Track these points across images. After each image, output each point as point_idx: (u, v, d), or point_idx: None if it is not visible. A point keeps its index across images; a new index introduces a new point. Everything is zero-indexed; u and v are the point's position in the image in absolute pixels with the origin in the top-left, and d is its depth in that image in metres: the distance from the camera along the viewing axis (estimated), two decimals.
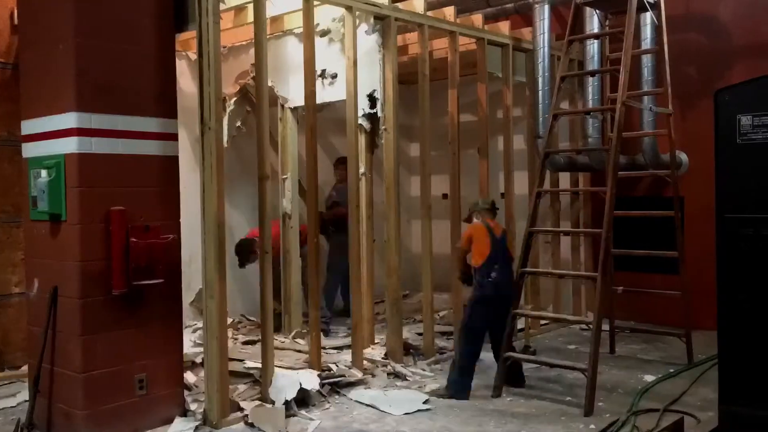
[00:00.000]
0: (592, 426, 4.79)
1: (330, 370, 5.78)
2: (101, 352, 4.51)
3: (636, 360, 6.56)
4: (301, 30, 6.49)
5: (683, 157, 7.52)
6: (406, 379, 5.91)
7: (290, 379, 5.22)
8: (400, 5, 6.46)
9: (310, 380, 5.28)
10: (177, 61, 5.13)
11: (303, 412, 5.05)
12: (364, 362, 6.02)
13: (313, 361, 5.65)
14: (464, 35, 7.17)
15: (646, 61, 7.12)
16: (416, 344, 6.73)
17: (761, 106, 3.23)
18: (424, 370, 6.21)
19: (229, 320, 6.75)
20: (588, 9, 7.09)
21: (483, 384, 5.71)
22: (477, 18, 7.25)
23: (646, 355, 6.72)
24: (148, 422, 4.70)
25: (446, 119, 9.63)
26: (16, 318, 6.01)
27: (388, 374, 5.97)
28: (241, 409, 4.97)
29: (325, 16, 6.46)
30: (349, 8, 5.94)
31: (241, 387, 5.42)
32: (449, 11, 6.90)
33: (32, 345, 4.88)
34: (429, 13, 6.70)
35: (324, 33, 6.54)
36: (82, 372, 4.44)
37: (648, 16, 7.06)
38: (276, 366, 5.34)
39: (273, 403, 5.02)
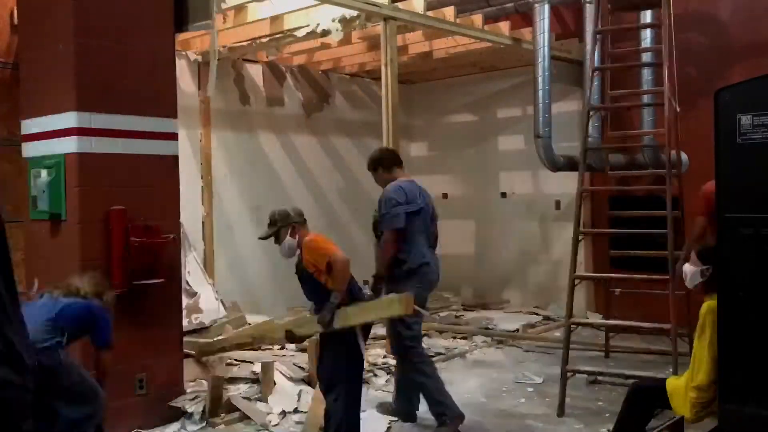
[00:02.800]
0: None
1: None
2: None
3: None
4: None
5: (683, 156, 7.50)
6: None
7: (289, 393, 5.21)
8: (400, 5, 6.45)
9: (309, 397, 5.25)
10: (177, 60, 5.14)
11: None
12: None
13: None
14: (464, 35, 7.17)
15: (647, 59, 7.11)
16: None
17: (761, 106, 3.22)
18: None
19: None
20: (588, 7, 7.10)
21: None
22: (477, 18, 7.24)
23: None
24: (148, 422, 4.69)
25: (447, 118, 9.67)
26: None
27: (389, 373, 5.96)
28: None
29: (325, 16, 6.44)
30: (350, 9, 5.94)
31: (242, 386, 5.41)
32: (449, 11, 6.89)
33: None
34: (429, 13, 6.68)
35: (325, 33, 6.53)
36: None
37: (648, 16, 7.06)
38: (278, 370, 5.34)
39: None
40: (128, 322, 4.62)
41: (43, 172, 4.57)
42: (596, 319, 7.97)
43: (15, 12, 5.36)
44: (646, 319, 6.76)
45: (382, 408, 5.01)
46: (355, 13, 6.14)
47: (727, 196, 3.37)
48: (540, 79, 7.25)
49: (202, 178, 7.70)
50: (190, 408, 4.82)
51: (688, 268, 3.73)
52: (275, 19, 6.67)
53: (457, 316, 8.16)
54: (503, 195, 9.06)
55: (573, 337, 7.35)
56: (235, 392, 5.20)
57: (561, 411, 5.00)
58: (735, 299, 3.34)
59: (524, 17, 8.13)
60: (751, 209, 3.27)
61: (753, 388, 3.30)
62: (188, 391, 5.06)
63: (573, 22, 8.32)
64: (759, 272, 3.24)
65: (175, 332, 4.95)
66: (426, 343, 6.79)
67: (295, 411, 5.04)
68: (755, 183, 3.27)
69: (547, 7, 7.21)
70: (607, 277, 6.61)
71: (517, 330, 7.55)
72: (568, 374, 5.09)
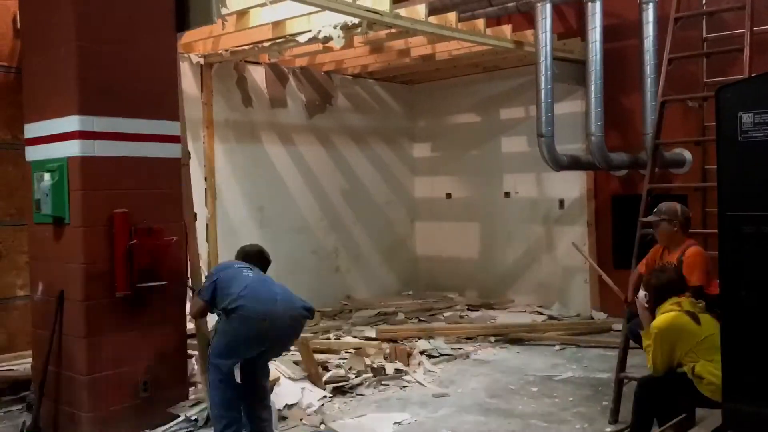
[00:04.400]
0: None
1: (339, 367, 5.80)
2: (105, 354, 4.52)
3: None
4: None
5: (686, 155, 7.50)
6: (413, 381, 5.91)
7: (293, 388, 5.25)
8: (402, 11, 6.42)
9: (312, 394, 5.28)
10: (179, 63, 5.15)
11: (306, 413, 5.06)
12: (367, 362, 6.03)
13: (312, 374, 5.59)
14: (466, 40, 7.15)
15: (649, 58, 7.09)
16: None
17: (762, 104, 3.21)
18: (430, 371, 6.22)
19: None
20: (590, 5, 7.08)
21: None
22: (479, 22, 7.22)
23: None
24: (152, 424, 4.69)
25: (450, 119, 9.67)
26: (20, 321, 6.02)
27: (393, 375, 5.96)
28: None
29: (327, 22, 6.42)
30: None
31: None
32: (451, 17, 6.85)
33: (37, 348, 4.90)
34: (431, 19, 6.63)
35: (326, 39, 6.52)
36: (87, 374, 4.45)
37: (651, 14, 7.04)
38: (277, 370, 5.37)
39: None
40: (132, 324, 4.64)
41: (47, 176, 4.58)
42: (601, 317, 7.98)
43: (18, 17, 5.38)
44: None
45: None
46: (357, 20, 6.13)
47: (728, 195, 3.36)
48: (542, 78, 7.25)
49: (205, 180, 7.72)
50: (193, 415, 4.78)
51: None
52: (277, 24, 6.68)
53: (461, 316, 8.16)
54: (507, 195, 9.06)
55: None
56: None
57: (614, 418, 4.82)
58: (737, 298, 3.33)
59: (526, 16, 8.14)
60: (752, 207, 3.27)
61: (756, 386, 3.29)
62: (191, 396, 5.02)
63: (575, 21, 8.31)
64: (761, 269, 3.23)
65: (179, 335, 4.95)
66: (431, 344, 6.81)
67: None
68: (757, 181, 3.26)
69: (548, 6, 7.20)
70: None
71: None
72: (625, 381, 4.90)
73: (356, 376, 5.73)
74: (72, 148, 4.48)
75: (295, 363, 5.78)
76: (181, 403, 4.86)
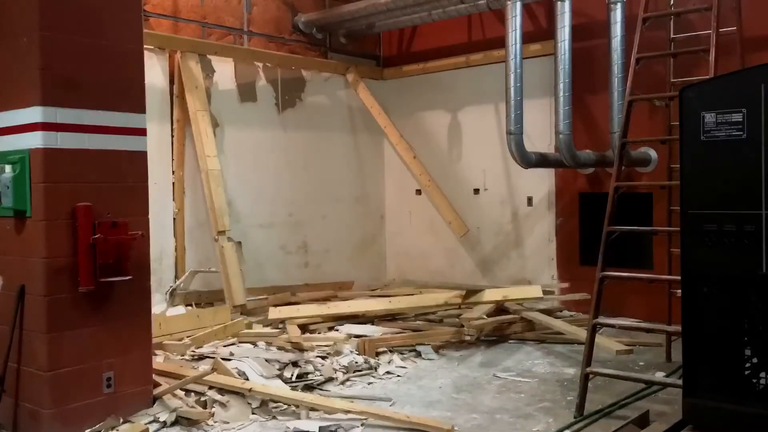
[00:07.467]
0: None
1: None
2: (68, 350, 4.45)
3: None
4: None
5: (652, 153, 7.61)
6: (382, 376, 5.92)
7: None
8: None
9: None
10: (148, 54, 5.08)
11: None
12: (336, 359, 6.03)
13: None
14: None
15: (617, 57, 7.18)
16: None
17: (724, 104, 3.28)
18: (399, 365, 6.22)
19: None
20: (559, 5, 7.13)
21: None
22: None
23: None
24: (115, 420, 4.62)
25: (421, 115, 9.68)
26: None
27: (360, 371, 5.96)
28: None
29: None
30: None
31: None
32: None
33: None
34: None
35: None
36: (48, 370, 4.37)
37: (618, 14, 7.12)
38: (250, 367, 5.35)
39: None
40: (96, 319, 4.57)
41: (8, 168, 4.49)
42: (565, 314, 8.06)
43: None
44: (616, 313, 6.71)
45: None
46: None
47: (690, 193, 3.42)
48: (512, 76, 7.29)
49: (173, 173, 7.63)
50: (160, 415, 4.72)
51: None
52: None
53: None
54: (476, 191, 9.12)
55: None
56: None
57: (580, 412, 4.88)
58: (699, 295, 3.40)
59: (497, 14, 8.17)
60: (714, 206, 3.33)
61: (716, 382, 3.35)
62: (155, 405, 4.89)
63: (545, 19, 8.37)
64: (722, 267, 3.30)
65: (144, 330, 4.89)
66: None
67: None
68: (718, 180, 3.33)
69: (519, 4, 7.24)
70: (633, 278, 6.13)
71: None
72: (590, 376, 4.94)
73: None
74: (34, 140, 4.39)
75: (268, 360, 5.76)
76: (143, 411, 4.78)
